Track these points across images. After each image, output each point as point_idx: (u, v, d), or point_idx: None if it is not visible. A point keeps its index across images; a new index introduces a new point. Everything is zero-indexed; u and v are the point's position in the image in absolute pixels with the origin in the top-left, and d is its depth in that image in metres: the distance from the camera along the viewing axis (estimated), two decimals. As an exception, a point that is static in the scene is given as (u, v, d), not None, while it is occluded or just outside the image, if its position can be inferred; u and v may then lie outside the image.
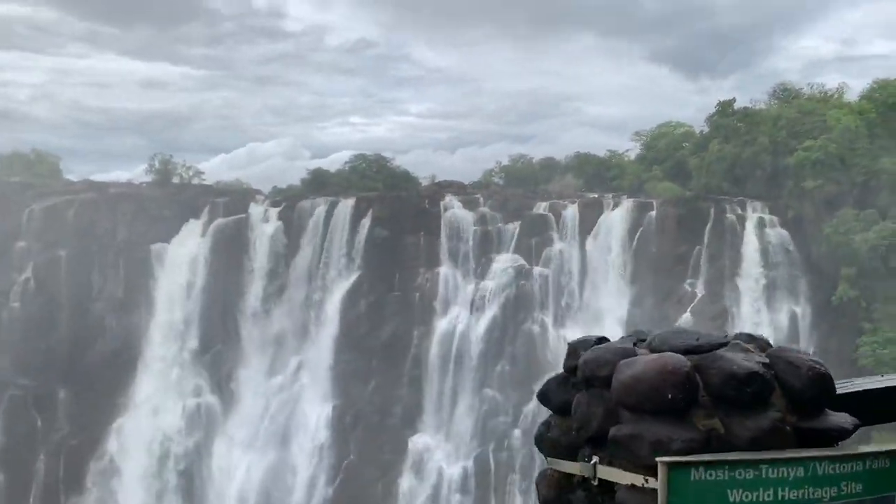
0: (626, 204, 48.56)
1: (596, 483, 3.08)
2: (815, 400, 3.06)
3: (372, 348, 48.87)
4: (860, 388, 3.65)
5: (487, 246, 49.16)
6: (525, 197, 51.33)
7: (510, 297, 47.41)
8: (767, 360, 3.09)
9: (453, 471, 46.21)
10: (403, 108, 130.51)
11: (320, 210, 50.65)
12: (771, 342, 3.39)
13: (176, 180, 56.01)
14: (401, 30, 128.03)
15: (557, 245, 48.29)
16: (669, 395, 2.93)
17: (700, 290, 46.42)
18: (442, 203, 50.05)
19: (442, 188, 52.32)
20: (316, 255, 50.30)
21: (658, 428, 2.92)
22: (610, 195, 50.52)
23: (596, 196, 50.90)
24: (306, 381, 49.50)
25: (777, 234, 45.68)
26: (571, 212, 48.69)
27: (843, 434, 3.05)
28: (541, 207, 49.52)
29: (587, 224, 48.30)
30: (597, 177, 54.30)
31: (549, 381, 3.50)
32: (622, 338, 3.47)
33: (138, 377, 49.52)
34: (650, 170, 51.52)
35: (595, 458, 3.08)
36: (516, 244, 48.77)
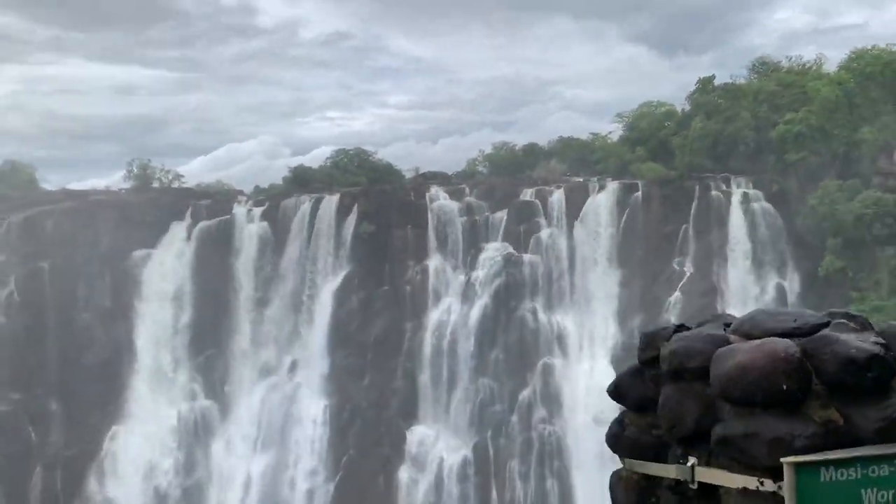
0: (612, 186, 48.62)
1: (695, 487, 2.81)
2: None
3: (365, 343, 48.76)
4: None
5: (475, 235, 49.08)
6: (510, 184, 51.24)
7: (501, 285, 47.42)
8: (883, 341, 2.76)
9: (453, 460, 46.40)
10: (383, 100, 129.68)
11: (305, 207, 50.24)
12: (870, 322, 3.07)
13: (156, 185, 55.28)
14: (376, 20, 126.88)
15: (545, 231, 48.30)
16: (784, 386, 2.61)
17: (689, 269, 46.70)
18: (427, 195, 49.82)
19: (427, 180, 52.11)
20: (303, 253, 49.96)
21: (774, 423, 2.61)
22: (595, 178, 50.54)
23: (581, 180, 50.90)
24: (301, 380, 49.37)
25: (762, 208, 45.98)
26: (558, 197, 48.67)
27: None
28: (527, 194, 49.46)
29: (574, 208, 48.32)
30: (581, 160, 54.28)
31: (621, 376, 3.26)
32: (703, 323, 3.15)
33: (131, 385, 49.12)
34: (634, 151, 51.57)
35: (692, 460, 2.82)
36: (504, 232, 48.73)
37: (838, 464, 2.55)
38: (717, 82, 50.27)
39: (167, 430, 48.60)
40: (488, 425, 46.38)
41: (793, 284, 46.24)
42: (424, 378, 47.78)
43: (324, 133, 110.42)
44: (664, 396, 2.93)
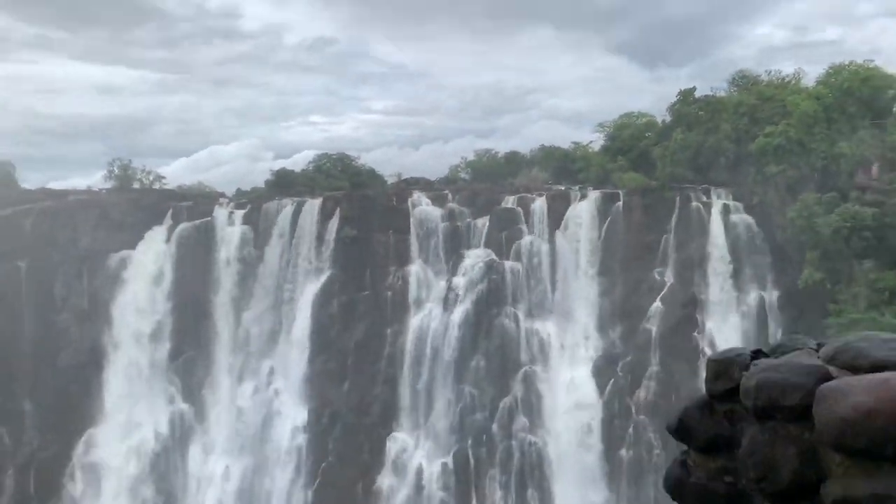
0: (593, 195, 48.83)
1: None
2: None
3: (345, 348, 48.52)
4: None
5: (457, 241, 49.08)
6: (492, 191, 51.31)
7: (482, 291, 47.41)
8: None
9: (433, 468, 46.17)
10: (366, 105, 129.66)
11: (287, 211, 50.02)
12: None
13: (136, 186, 54.85)
14: (360, 26, 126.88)
15: (527, 238, 48.40)
16: None
17: (669, 279, 46.93)
18: (410, 200, 49.77)
19: (409, 185, 52.08)
20: (284, 257, 49.70)
21: None
22: (576, 187, 50.76)
23: (563, 188, 51.10)
24: (280, 384, 49.00)
25: (742, 219, 46.33)
26: (539, 205, 48.80)
27: None
28: (509, 201, 49.55)
29: (556, 216, 48.47)
30: (562, 169, 54.53)
31: (688, 410, 2.74)
32: (781, 348, 2.67)
33: (108, 387, 48.57)
34: (615, 160, 51.87)
35: None
36: (486, 239, 48.77)
37: None
38: (697, 94, 50.82)
39: (144, 433, 48.07)
40: (469, 433, 46.23)
41: (772, 296, 46.58)
42: (405, 384, 47.59)
43: (307, 137, 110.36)
44: (750, 440, 2.43)
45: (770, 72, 52.75)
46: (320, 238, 49.23)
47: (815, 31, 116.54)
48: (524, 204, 49.11)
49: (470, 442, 45.99)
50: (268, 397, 48.70)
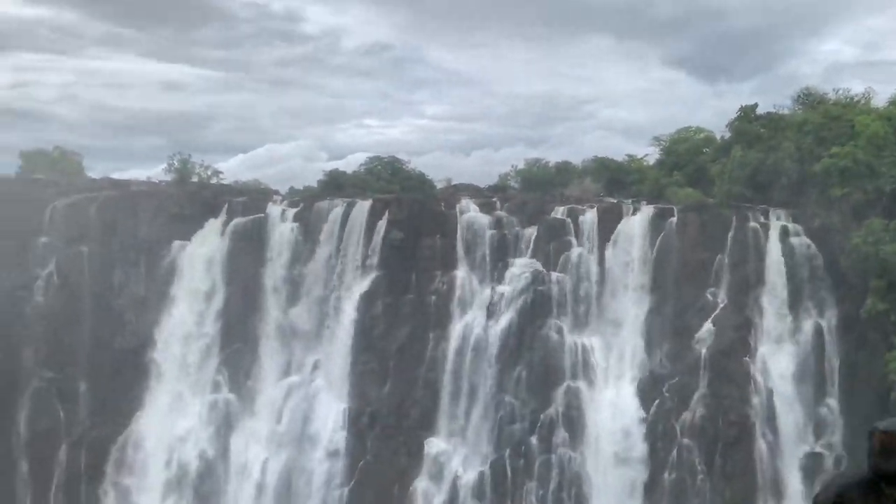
0: (646, 209, 47.68)
1: None
2: None
3: (388, 350, 48.72)
4: None
5: (504, 250, 48.67)
6: (542, 201, 50.67)
7: (527, 301, 46.89)
8: None
9: (469, 476, 45.89)
10: (419, 110, 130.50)
11: (337, 211, 50.62)
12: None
13: (195, 179, 56.45)
14: (416, 32, 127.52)
15: (576, 250, 47.63)
16: None
17: (722, 300, 45.47)
18: (458, 206, 49.63)
19: (458, 191, 51.93)
20: (333, 256, 50.28)
21: None
22: (629, 200, 49.69)
23: (615, 201, 50.08)
24: (322, 382, 49.55)
25: (802, 242, 44.52)
26: (590, 217, 47.98)
27: None
28: (558, 212, 48.85)
29: (606, 229, 47.53)
30: (615, 181, 53.47)
31: (846, 487, 2.37)
32: None
33: (157, 373, 50.04)
34: (670, 175, 50.52)
35: None
36: (533, 249, 48.22)
37: None
38: (759, 111, 49.07)
39: (190, 419, 49.35)
40: (507, 443, 45.76)
41: (831, 324, 44.67)
42: (445, 390, 47.45)
43: (360, 140, 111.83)
44: None
45: (838, 90, 50.64)
46: (368, 239, 49.63)
47: (887, 48, 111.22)
48: (574, 215, 48.37)
49: (508, 452, 45.52)
50: (310, 392, 49.31)
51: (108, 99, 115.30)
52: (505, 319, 47.00)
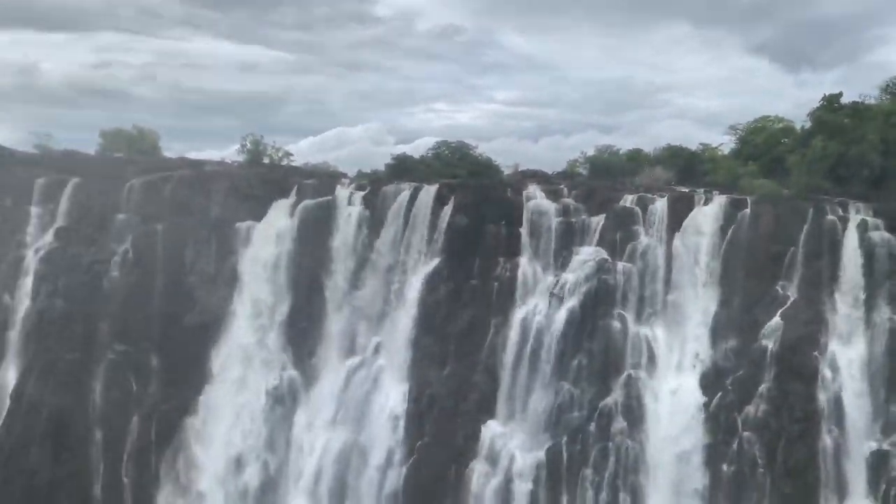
0: (718, 200, 46.63)
1: None
2: None
3: (449, 334, 49.13)
4: None
5: (569, 238, 48.33)
6: (611, 189, 50.06)
7: (591, 290, 46.55)
8: None
9: (526, 461, 46.10)
10: (489, 94, 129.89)
11: (403, 195, 51.06)
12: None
13: (266, 160, 57.58)
14: (489, 15, 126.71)
15: (643, 240, 46.99)
16: None
17: (793, 294, 44.34)
18: (524, 192, 49.41)
19: (525, 177, 51.69)
20: (398, 240, 50.82)
21: None
22: (701, 190, 48.64)
23: (686, 190, 49.10)
24: (384, 362, 50.32)
25: (882, 237, 42.93)
26: (660, 206, 47.19)
27: None
28: (627, 200, 48.18)
29: (676, 219, 46.69)
30: (688, 170, 52.38)
31: None
32: None
33: (226, 348, 51.50)
34: (745, 165, 49.28)
35: None
36: (599, 237, 47.77)
37: None
38: (843, 100, 47.23)
39: (254, 395, 50.75)
40: (564, 430, 45.75)
41: (908, 324, 43.09)
42: (504, 375, 47.64)
43: (429, 124, 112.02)
44: None
45: (930, 80, 48.37)
46: (433, 224, 49.92)
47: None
48: (643, 204, 47.63)
49: (565, 439, 45.51)
50: (372, 373, 50.13)
51: (185, 79, 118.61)
52: (567, 307, 46.84)
